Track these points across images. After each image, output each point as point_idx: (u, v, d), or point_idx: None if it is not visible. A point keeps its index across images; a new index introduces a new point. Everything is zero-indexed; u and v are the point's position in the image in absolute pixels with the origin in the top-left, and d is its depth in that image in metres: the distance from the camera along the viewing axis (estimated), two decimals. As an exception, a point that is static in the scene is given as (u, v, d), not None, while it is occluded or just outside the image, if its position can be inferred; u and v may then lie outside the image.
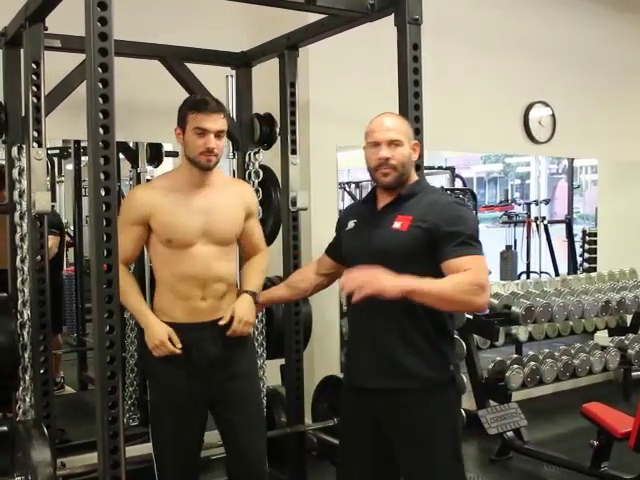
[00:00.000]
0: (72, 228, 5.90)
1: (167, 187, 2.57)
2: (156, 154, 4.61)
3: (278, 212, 3.54)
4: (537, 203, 8.95)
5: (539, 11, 5.09)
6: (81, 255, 5.45)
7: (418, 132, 2.60)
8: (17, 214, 2.98)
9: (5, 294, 3.05)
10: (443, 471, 2.29)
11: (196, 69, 3.49)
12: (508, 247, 8.80)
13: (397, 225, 2.26)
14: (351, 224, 2.43)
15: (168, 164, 5.07)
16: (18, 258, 2.98)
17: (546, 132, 5.27)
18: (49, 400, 2.94)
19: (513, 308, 4.43)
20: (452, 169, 8.64)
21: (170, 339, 2.49)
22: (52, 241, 3.69)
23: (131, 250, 2.56)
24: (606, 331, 5.52)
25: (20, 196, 2.97)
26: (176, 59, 3.45)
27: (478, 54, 4.76)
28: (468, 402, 4.24)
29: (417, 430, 2.26)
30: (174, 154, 5.07)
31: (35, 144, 2.84)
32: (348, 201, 7.52)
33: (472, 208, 7.20)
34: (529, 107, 5.16)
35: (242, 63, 3.63)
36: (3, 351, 2.87)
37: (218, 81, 3.54)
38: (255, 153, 3.54)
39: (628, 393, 5.11)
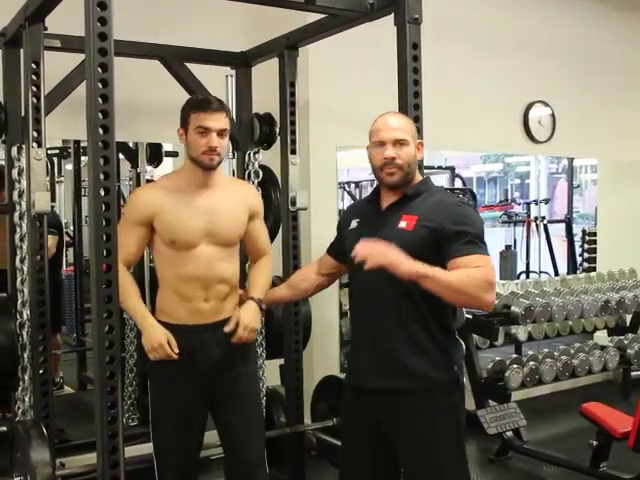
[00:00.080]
0: (72, 228, 5.90)
1: (170, 187, 2.56)
2: (156, 154, 4.62)
3: (278, 212, 3.54)
4: (537, 203, 8.95)
5: (539, 10, 5.09)
6: (80, 255, 5.45)
7: (418, 132, 2.60)
8: (17, 214, 2.98)
9: (4, 294, 3.05)
10: (448, 472, 2.29)
11: (196, 69, 3.49)
12: (508, 247, 8.80)
13: (403, 224, 2.25)
14: (354, 223, 2.42)
15: (168, 164, 5.07)
16: (17, 258, 2.98)
17: (546, 132, 5.27)
18: (48, 400, 2.94)
19: (512, 308, 4.43)
20: (452, 169, 8.64)
21: (168, 343, 2.46)
22: (50, 241, 3.68)
23: (134, 251, 2.55)
24: (605, 331, 5.52)
25: (20, 196, 2.97)
26: (176, 59, 3.45)
27: (478, 54, 4.76)
28: (467, 402, 4.22)
29: (421, 431, 2.26)
30: (174, 154, 5.07)
31: (35, 144, 2.84)
32: (348, 201, 7.51)
33: (472, 208, 7.18)
34: (529, 107, 5.16)
35: (242, 63, 3.63)
36: (2, 351, 2.86)
37: (218, 81, 3.54)
38: (255, 153, 3.53)
39: (627, 393, 5.10)
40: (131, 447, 2.99)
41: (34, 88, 2.84)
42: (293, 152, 3.44)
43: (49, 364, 2.97)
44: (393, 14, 2.69)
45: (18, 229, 2.98)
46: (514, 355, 4.66)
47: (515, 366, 4.37)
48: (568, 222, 8.47)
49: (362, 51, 4.02)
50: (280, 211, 3.52)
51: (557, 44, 5.16)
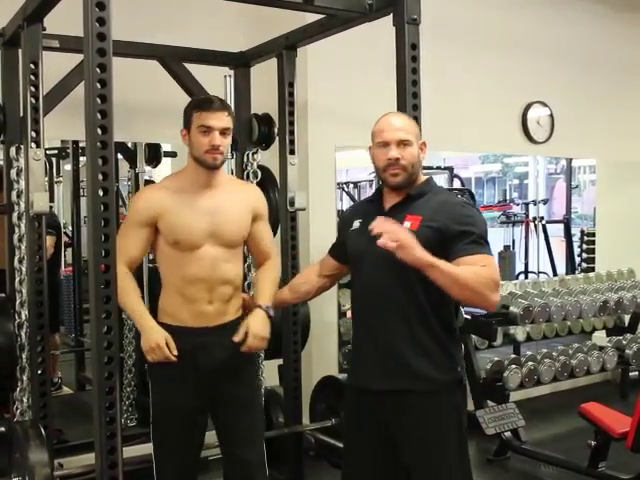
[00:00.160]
0: (70, 228, 5.89)
1: (174, 188, 2.54)
2: (154, 154, 4.61)
3: (276, 212, 3.53)
4: (535, 203, 8.96)
5: (537, 11, 5.09)
6: (79, 255, 5.44)
7: (417, 132, 2.60)
8: (15, 214, 2.98)
9: (3, 294, 3.05)
10: (450, 472, 2.28)
11: (194, 69, 3.49)
12: (506, 247, 8.80)
13: (407, 225, 2.24)
14: (356, 224, 2.41)
15: (166, 164, 5.07)
16: (16, 258, 2.98)
17: (544, 132, 5.27)
18: (47, 401, 2.94)
19: (511, 308, 4.43)
20: (450, 169, 8.64)
21: (167, 344, 2.43)
22: (49, 242, 3.68)
23: (138, 253, 2.53)
24: (604, 331, 5.52)
25: (18, 196, 2.97)
26: (174, 59, 3.45)
27: (476, 54, 4.77)
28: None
29: (424, 432, 2.25)
30: (172, 154, 5.07)
31: (33, 144, 2.84)
32: (346, 201, 7.52)
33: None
34: (527, 107, 5.16)
35: (240, 63, 3.63)
36: (1, 351, 2.87)
37: (216, 81, 3.54)
38: (253, 153, 3.54)
39: (626, 393, 5.11)
40: (130, 447, 2.99)
41: (32, 88, 2.84)
42: (292, 152, 3.45)
43: (47, 364, 2.97)
44: (392, 14, 2.68)
45: (17, 229, 2.98)
46: (513, 355, 4.67)
47: (514, 366, 4.37)
48: (567, 222, 8.48)
49: (361, 51, 4.02)
50: (279, 211, 3.52)
51: (555, 44, 5.16)
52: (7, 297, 3.01)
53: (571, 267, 7.99)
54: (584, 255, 7.68)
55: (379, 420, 2.30)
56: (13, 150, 2.97)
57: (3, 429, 3.27)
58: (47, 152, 3.51)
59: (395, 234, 2.07)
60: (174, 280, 2.54)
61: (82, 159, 5.31)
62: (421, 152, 2.35)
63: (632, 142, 5.72)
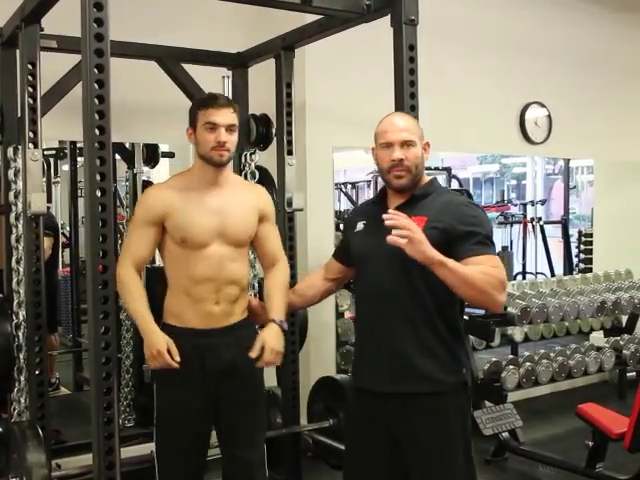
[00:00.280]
0: (68, 229, 5.89)
1: (181, 187, 2.53)
2: (152, 155, 4.62)
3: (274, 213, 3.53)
4: (533, 204, 8.98)
5: (535, 12, 5.10)
6: (77, 256, 5.45)
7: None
8: (13, 215, 2.98)
9: (1, 295, 3.05)
10: (456, 474, 2.27)
11: (192, 70, 3.49)
12: (504, 248, 8.80)
13: None
14: (360, 225, 2.39)
15: (164, 165, 5.07)
16: (14, 259, 2.98)
17: (542, 133, 5.28)
18: (44, 401, 2.94)
19: (509, 309, 4.42)
20: (448, 170, 8.66)
21: (169, 350, 2.37)
22: (46, 243, 3.68)
23: (145, 253, 2.49)
24: (601, 332, 5.53)
25: (16, 197, 2.97)
26: (172, 60, 3.45)
27: (474, 55, 4.77)
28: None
29: (429, 433, 2.24)
30: (170, 155, 5.07)
31: (31, 145, 2.84)
32: (344, 202, 7.53)
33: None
34: (525, 108, 5.17)
35: (238, 64, 3.63)
36: (-2, 352, 2.87)
37: (214, 82, 3.53)
38: (251, 154, 3.54)
39: (623, 394, 5.12)
40: (127, 448, 2.99)
41: (30, 89, 2.84)
42: (289, 153, 3.44)
43: (45, 365, 2.97)
44: (389, 15, 2.68)
45: (14, 230, 2.98)
46: (510, 356, 4.66)
47: (511, 367, 4.37)
48: (564, 223, 8.48)
49: (359, 52, 4.02)
50: (276, 212, 3.51)
51: (553, 45, 5.17)
52: (5, 297, 3.01)
53: (569, 268, 8.00)
54: (582, 256, 7.68)
55: (383, 421, 2.29)
56: (11, 151, 2.97)
57: (0, 430, 3.27)
58: (45, 153, 3.53)
59: (406, 227, 2.06)
60: (181, 280, 2.51)
61: (80, 160, 5.31)
62: (425, 152, 2.34)
63: (630, 142, 5.73)
